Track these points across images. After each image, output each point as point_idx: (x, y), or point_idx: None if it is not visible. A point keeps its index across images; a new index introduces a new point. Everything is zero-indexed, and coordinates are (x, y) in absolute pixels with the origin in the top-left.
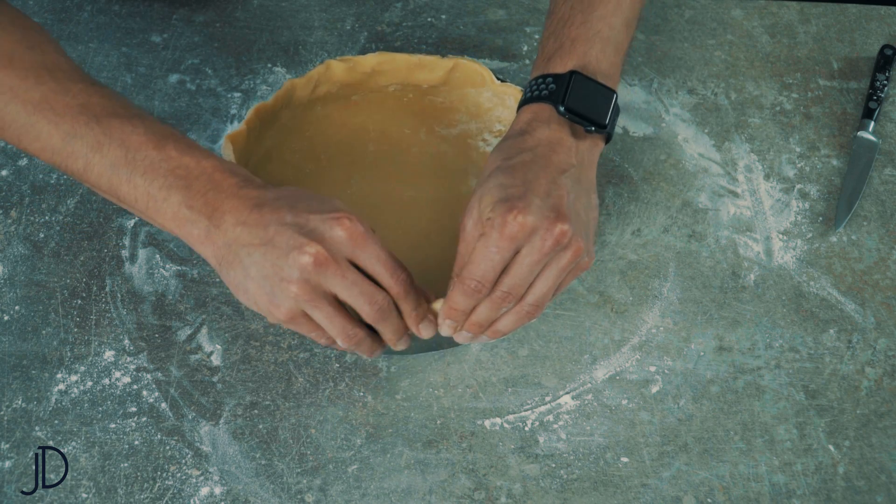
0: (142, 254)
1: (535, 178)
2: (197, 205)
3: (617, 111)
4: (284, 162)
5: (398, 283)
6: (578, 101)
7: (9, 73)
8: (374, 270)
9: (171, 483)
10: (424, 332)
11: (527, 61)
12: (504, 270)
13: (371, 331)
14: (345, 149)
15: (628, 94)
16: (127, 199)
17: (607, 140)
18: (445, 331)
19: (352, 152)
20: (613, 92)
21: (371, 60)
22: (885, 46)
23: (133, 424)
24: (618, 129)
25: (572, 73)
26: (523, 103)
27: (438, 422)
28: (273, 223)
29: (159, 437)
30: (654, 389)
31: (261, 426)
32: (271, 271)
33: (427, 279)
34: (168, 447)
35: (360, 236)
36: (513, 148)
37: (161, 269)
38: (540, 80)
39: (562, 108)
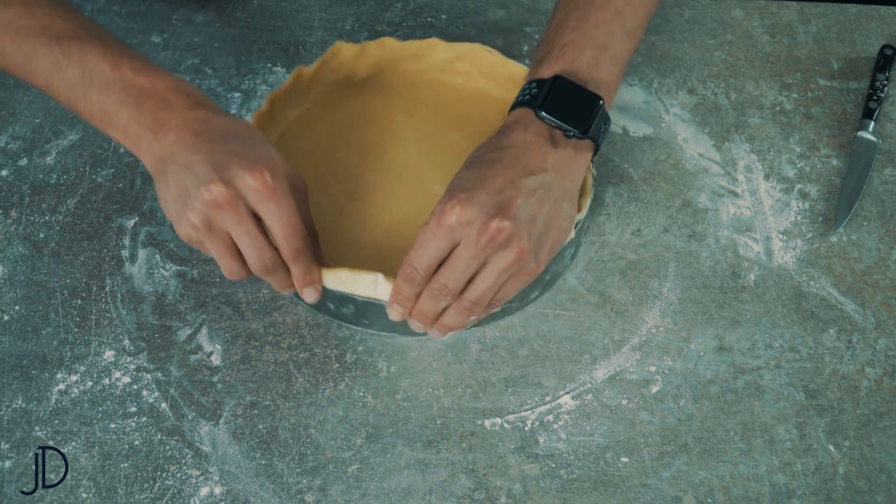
0: (142, 254)
1: (493, 175)
2: (146, 121)
3: (605, 119)
4: (327, 122)
5: (289, 248)
6: (557, 106)
7: None
8: (271, 227)
9: (171, 483)
10: (308, 297)
11: (527, 61)
12: (443, 264)
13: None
14: (374, 129)
15: (628, 94)
16: (83, 113)
17: (596, 150)
18: (393, 315)
19: (378, 132)
20: (599, 98)
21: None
22: (885, 46)
23: (133, 424)
24: (618, 129)
25: (555, 77)
26: (513, 108)
27: (438, 422)
28: (202, 151)
29: (159, 437)
30: (654, 389)
31: (261, 426)
32: (182, 195)
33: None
34: (168, 447)
35: (268, 191)
36: (487, 146)
37: (161, 269)
38: (527, 86)
39: (541, 113)
